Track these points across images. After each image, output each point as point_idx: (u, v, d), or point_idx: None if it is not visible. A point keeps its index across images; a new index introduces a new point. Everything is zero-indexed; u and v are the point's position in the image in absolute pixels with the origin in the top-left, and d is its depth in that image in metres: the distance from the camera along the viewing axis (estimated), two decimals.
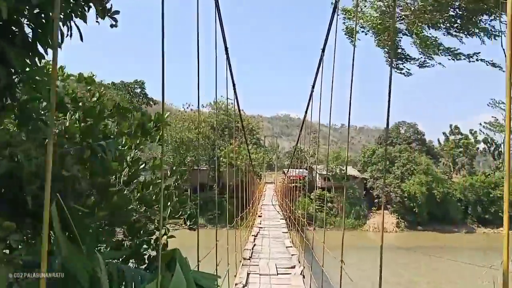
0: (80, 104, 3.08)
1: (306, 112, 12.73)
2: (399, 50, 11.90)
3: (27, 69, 2.28)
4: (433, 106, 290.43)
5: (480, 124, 58.96)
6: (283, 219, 25.00)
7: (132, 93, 50.85)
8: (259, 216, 25.78)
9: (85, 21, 2.45)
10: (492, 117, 55.12)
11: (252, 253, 13.28)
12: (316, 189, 54.51)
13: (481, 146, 60.03)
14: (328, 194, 52.19)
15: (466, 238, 45.83)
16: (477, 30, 10.58)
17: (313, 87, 10.74)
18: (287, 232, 18.81)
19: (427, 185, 46.92)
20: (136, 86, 50.83)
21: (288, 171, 41.23)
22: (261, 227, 20.36)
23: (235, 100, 11.15)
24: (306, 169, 63.54)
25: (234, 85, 9.96)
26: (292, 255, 12.99)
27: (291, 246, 14.84)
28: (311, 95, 11.29)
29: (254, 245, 15.26)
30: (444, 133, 58.52)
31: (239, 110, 15.30)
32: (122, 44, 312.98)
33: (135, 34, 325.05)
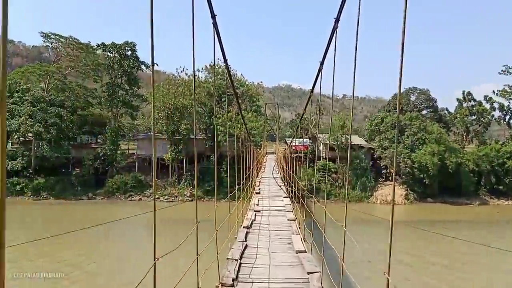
0: None
1: (314, 85, 11.30)
2: None
3: None
4: (434, 74, 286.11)
5: (494, 92, 56.53)
6: (287, 197, 19.63)
7: (123, 55, 48.02)
8: (256, 193, 20.02)
9: None
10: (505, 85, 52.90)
11: (238, 271, 7.14)
12: (319, 159, 52.88)
13: (496, 114, 57.66)
14: (332, 164, 50.54)
15: (479, 210, 44.40)
16: None
17: (322, 61, 9.33)
18: (294, 220, 13.03)
19: (439, 155, 44.94)
20: (127, 48, 47.88)
21: (291, 141, 38.85)
22: (258, 211, 14.56)
23: (225, 63, 9.18)
24: (310, 139, 61.73)
25: (222, 49, 8.12)
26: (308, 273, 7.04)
27: (304, 251, 8.86)
28: (320, 68, 9.88)
29: (245, 248, 8.92)
30: (458, 99, 55.96)
31: (229, 74, 13.08)
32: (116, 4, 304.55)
33: None
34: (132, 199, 42.76)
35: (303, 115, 31.88)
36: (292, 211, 15.14)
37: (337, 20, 7.13)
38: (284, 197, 19.52)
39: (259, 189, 21.90)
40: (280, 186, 24.97)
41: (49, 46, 48.89)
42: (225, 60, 9.56)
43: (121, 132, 54.09)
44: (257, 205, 16.24)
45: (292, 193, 20.65)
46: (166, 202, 42.16)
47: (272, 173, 35.85)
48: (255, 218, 13.18)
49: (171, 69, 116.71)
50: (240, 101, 52.72)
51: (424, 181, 46.21)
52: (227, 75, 10.29)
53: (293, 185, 22.19)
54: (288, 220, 13.06)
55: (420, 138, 46.88)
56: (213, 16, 6.91)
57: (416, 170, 46.50)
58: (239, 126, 44.81)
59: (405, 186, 47.33)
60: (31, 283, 17.80)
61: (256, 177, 27.96)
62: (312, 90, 12.86)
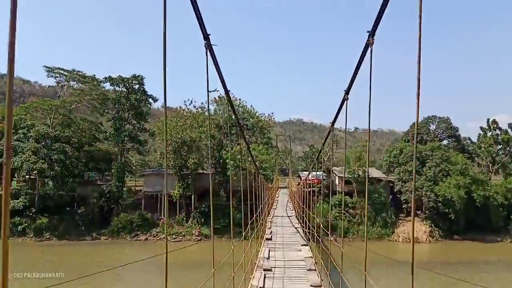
0: None
1: (335, 117, 9.82)
2: None
3: None
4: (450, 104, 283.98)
5: None
6: (306, 244, 16.08)
7: (130, 89, 47.96)
8: (266, 239, 16.60)
9: None
10: None
11: None
12: (334, 194, 50.87)
13: None
14: (349, 199, 48.45)
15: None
16: None
17: (347, 93, 8.16)
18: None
19: (465, 188, 42.61)
20: (134, 81, 47.91)
21: (308, 173, 37.25)
22: (269, 270, 11.27)
23: (225, 91, 7.96)
24: (324, 172, 59.95)
25: (220, 74, 6.94)
26: None
27: None
28: (345, 98, 8.65)
29: None
30: (481, 128, 53.89)
31: (230, 101, 11.84)
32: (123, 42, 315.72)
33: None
34: (138, 239, 41.22)
35: (321, 150, 28.02)
36: (315, 269, 11.61)
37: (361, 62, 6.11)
38: (302, 244, 16.05)
39: (271, 232, 18.67)
40: (296, 228, 21.50)
41: (59, 83, 49.07)
42: (225, 87, 8.39)
43: (128, 168, 53.31)
44: (268, 258, 12.61)
45: (309, 234, 18.84)
46: (173, 241, 40.44)
47: (286, 210, 33.62)
48: (264, 284, 9.90)
49: (178, 103, 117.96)
50: (250, 133, 51.94)
51: (450, 216, 43.72)
52: (228, 103, 9.05)
53: (308, 223, 20.54)
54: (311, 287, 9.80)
55: (444, 170, 44.78)
56: (206, 37, 5.70)
57: (440, 204, 44.16)
58: (248, 159, 43.61)
59: (429, 222, 44.83)
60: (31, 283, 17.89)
61: (267, 215, 25.52)
62: (333, 123, 11.25)
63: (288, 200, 41.28)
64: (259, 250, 14.50)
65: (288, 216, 27.86)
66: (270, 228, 20.57)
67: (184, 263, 30.64)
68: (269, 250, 14.32)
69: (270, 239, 17.05)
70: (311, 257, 13.43)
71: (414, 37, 3.73)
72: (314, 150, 66.09)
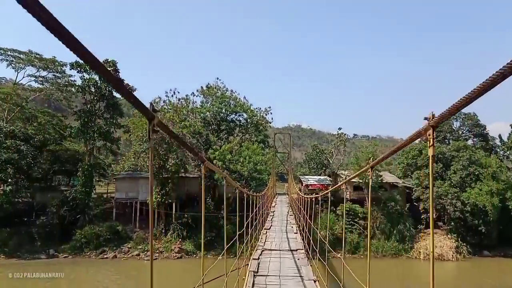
0: None
1: None
2: None
3: None
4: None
5: None
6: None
7: (104, 78, 42.51)
8: None
9: None
10: None
11: None
12: (339, 202, 45.62)
13: None
14: (360, 208, 43.20)
15: None
16: None
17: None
18: None
19: (499, 195, 37.50)
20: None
21: (324, 178, 31.42)
22: None
23: None
24: (329, 176, 54.71)
25: None
26: None
27: None
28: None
29: None
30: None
31: None
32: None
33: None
34: (105, 256, 35.65)
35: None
36: None
37: None
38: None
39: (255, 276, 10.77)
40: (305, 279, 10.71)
41: (14, 68, 43.31)
42: None
43: (99, 171, 47.71)
44: None
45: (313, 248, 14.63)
46: (147, 260, 34.87)
47: (286, 224, 23.92)
48: None
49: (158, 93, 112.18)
50: (243, 130, 46.63)
51: (480, 229, 38.55)
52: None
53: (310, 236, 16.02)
54: None
55: (472, 174, 39.60)
56: None
57: (468, 214, 38.98)
58: (240, 160, 38.24)
59: (455, 235, 39.61)
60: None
61: (256, 240, 17.27)
62: None
63: (288, 212, 32.52)
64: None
65: (288, 238, 18.14)
66: (258, 260, 12.82)
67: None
68: None
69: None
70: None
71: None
72: (318, 150, 60.75)
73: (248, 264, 12.27)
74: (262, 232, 19.36)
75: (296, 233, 19.93)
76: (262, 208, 23.83)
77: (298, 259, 13.24)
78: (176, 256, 35.98)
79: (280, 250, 14.85)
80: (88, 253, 36.00)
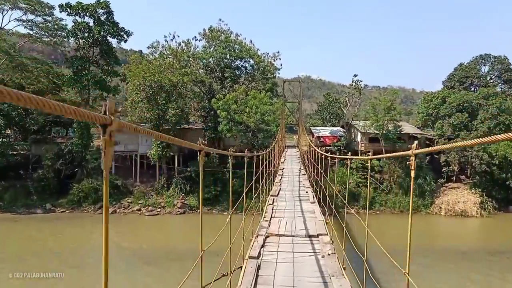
0: None
1: None
2: None
3: None
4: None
5: None
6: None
7: (96, 20, 39.53)
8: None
9: None
10: None
11: None
12: (356, 154, 43.36)
13: None
14: (375, 161, 40.93)
15: None
16: None
17: None
18: None
19: None
20: (98, 9, 39.33)
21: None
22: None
23: None
24: (342, 127, 52.13)
25: None
26: None
27: None
28: None
29: None
30: None
31: None
32: None
33: None
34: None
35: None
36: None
37: None
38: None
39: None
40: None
41: None
42: None
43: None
44: None
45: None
46: (148, 215, 33.67)
47: (299, 192, 17.29)
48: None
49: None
50: (249, 78, 43.72)
51: (508, 183, 36.19)
52: None
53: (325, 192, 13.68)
54: None
55: (502, 123, 36.66)
56: None
57: (495, 168, 36.54)
58: (246, 110, 35.73)
59: (479, 190, 37.32)
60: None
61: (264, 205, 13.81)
62: None
63: (300, 171, 26.46)
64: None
65: (309, 236, 9.88)
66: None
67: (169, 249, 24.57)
68: None
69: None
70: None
71: None
72: (330, 99, 57.67)
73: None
74: (267, 201, 14.17)
75: (314, 202, 14.26)
76: (270, 167, 18.49)
77: (323, 256, 7.67)
78: (179, 211, 34.61)
79: (293, 236, 9.57)
80: (87, 208, 34.85)
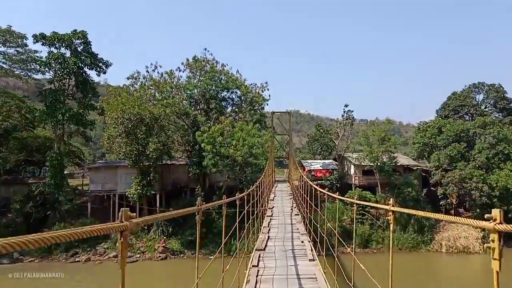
0: None
1: None
2: None
3: None
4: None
5: None
6: None
7: (73, 51, 37.94)
8: None
9: None
10: None
11: None
12: (350, 188, 41.68)
13: None
14: (370, 195, 39.24)
15: None
16: None
17: None
18: None
19: None
20: (75, 40, 37.83)
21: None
22: None
23: None
24: (334, 160, 50.55)
25: None
26: None
27: None
28: None
29: None
30: None
31: None
32: None
33: None
34: (77, 259, 31.61)
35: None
36: None
37: None
38: None
39: None
40: None
41: None
42: None
43: (74, 160, 43.45)
44: None
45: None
46: (127, 262, 30.84)
47: (292, 242, 13.39)
48: None
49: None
50: (236, 109, 42.20)
51: (511, 215, 34.71)
52: None
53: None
54: None
55: (501, 152, 35.56)
56: None
57: (496, 200, 35.21)
58: (233, 143, 33.93)
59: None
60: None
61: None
62: None
63: (292, 210, 22.58)
64: None
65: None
66: None
67: None
68: None
69: None
70: None
71: None
72: (322, 131, 56.35)
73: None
74: (251, 259, 10.74)
75: (314, 260, 10.54)
76: (257, 206, 16.26)
77: None
78: (160, 256, 32.04)
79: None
80: (58, 256, 32.00)
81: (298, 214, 20.55)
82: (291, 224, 17.66)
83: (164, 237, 33.34)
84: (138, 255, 32.23)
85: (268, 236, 14.29)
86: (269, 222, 17.71)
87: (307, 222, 16.94)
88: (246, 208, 12.08)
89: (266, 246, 12.72)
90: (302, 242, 13.30)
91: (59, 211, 35.50)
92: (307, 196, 18.47)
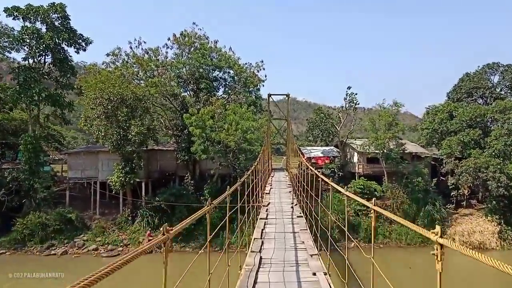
0: None
1: None
2: None
3: None
4: None
5: None
6: None
7: (50, 27, 35.10)
8: None
9: None
10: None
11: None
12: (354, 177, 39.29)
13: None
14: (375, 185, 36.84)
15: None
16: None
17: None
18: None
19: None
20: (52, 14, 34.97)
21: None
22: None
23: None
24: (336, 147, 48.01)
25: None
26: None
27: None
28: None
29: None
30: None
31: None
32: None
33: None
34: (52, 252, 29.27)
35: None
36: None
37: None
38: None
39: None
40: None
41: None
42: None
43: (53, 144, 40.91)
44: None
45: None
46: (106, 257, 28.57)
47: (295, 251, 9.98)
48: None
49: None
50: (229, 90, 39.51)
51: None
52: None
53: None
54: None
55: None
56: None
57: None
58: (225, 127, 31.33)
59: (497, 217, 33.42)
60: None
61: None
62: None
63: (293, 207, 17.82)
64: None
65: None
66: None
67: None
68: None
69: None
70: None
71: None
72: (322, 115, 53.57)
73: None
74: (241, 276, 7.87)
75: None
76: (248, 203, 12.73)
77: None
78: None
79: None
80: (32, 248, 29.64)
81: (301, 216, 15.43)
82: (293, 232, 12.42)
83: (150, 229, 30.98)
84: (121, 248, 29.87)
85: (260, 258, 9.26)
86: (262, 230, 12.64)
87: (307, 214, 14.38)
88: (239, 203, 9.53)
89: (260, 261, 8.88)
90: (309, 254, 9.38)
91: (35, 199, 33.08)
92: (307, 186, 16.01)
